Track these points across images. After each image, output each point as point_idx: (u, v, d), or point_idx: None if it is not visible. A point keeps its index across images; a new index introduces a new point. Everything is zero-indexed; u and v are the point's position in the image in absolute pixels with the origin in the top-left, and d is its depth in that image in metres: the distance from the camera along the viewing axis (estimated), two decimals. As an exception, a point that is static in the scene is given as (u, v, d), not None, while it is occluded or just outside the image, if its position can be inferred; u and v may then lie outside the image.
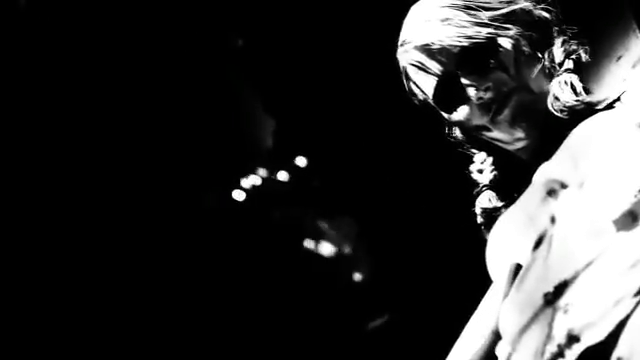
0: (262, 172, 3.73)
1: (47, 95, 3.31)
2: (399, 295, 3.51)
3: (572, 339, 1.00)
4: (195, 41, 3.45)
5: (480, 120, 1.35)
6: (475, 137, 1.42)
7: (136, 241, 3.48)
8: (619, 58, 1.72)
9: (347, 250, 3.77)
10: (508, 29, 1.34)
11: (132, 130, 3.47)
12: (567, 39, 1.39)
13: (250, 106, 3.65)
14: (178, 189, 3.61)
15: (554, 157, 1.25)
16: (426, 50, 1.35)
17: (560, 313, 1.03)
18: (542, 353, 1.03)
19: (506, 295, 1.20)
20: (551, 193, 1.18)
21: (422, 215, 3.26)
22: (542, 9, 1.39)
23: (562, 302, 1.04)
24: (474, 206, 1.48)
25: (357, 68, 3.10)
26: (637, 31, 1.71)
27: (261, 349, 3.55)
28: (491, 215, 1.44)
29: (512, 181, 1.42)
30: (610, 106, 1.32)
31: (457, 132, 1.48)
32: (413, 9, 1.42)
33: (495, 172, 1.45)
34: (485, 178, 1.46)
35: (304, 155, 3.69)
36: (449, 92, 1.36)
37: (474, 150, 1.48)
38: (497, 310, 1.23)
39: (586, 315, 1.01)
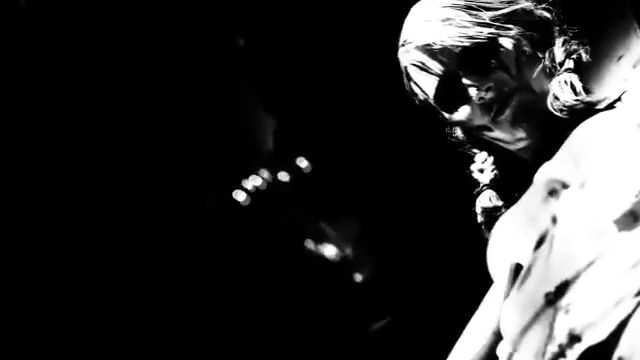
0: (263, 173, 3.73)
1: (47, 95, 3.31)
2: (401, 296, 3.51)
3: (573, 339, 1.01)
4: (195, 41, 3.45)
5: (481, 120, 1.35)
6: (476, 137, 1.42)
7: (135, 242, 3.48)
8: (620, 58, 1.72)
9: (349, 251, 3.77)
10: (509, 29, 1.34)
11: (132, 130, 3.47)
12: (568, 39, 1.39)
13: (251, 107, 3.65)
14: (179, 190, 3.60)
15: (555, 157, 1.26)
16: (427, 50, 1.35)
17: (561, 313, 1.04)
18: (543, 353, 1.03)
19: (507, 295, 1.20)
20: (552, 193, 1.19)
21: (423, 215, 3.26)
22: (543, 9, 1.40)
23: (563, 302, 1.04)
24: (475, 206, 1.48)
25: (358, 68, 3.10)
26: (638, 31, 1.71)
27: (263, 351, 3.55)
28: (491, 214, 1.44)
29: (513, 181, 1.42)
30: (611, 106, 1.32)
31: (458, 132, 1.48)
32: (414, 9, 1.42)
33: (496, 172, 1.46)
34: (486, 177, 1.46)
35: (305, 156, 3.69)
36: (450, 92, 1.36)
37: (475, 150, 1.48)
38: (498, 310, 1.23)
39: (587, 315, 1.01)
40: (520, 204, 1.32)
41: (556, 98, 1.32)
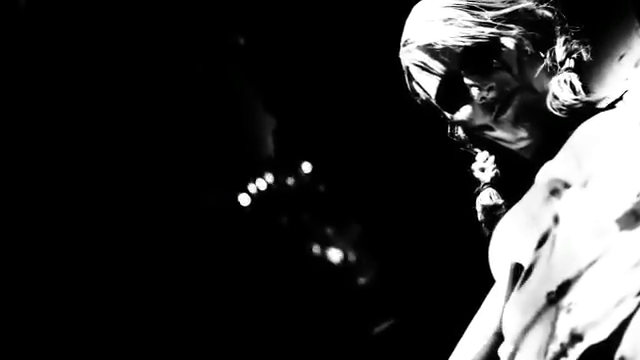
0: (267, 176, 3.72)
1: (47, 95, 3.31)
2: (402, 296, 3.51)
3: (575, 338, 1.01)
4: (196, 41, 3.45)
5: (483, 120, 1.35)
6: (478, 137, 1.42)
7: (136, 242, 3.48)
8: (621, 57, 1.72)
9: (351, 254, 3.77)
10: (511, 29, 1.34)
11: (132, 130, 3.46)
12: (569, 38, 1.39)
13: (252, 107, 3.65)
14: (183, 193, 3.60)
15: (557, 156, 1.26)
16: (429, 50, 1.35)
17: (563, 312, 1.03)
18: (545, 352, 1.03)
19: (507, 295, 1.20)
20: (554, 192, 1.19)
21: (425, 217, 3.25)
22: (545, 8, 1.40)
23: (565, 301, 1.04)
24: (475, 204, 1.49)
25: (359, 68, 3.10)
26: (639, 30, 1.71)
27: (266, 354, 3.55)
28: (491, 212, 1.44)
29: (514, 180, 1.42)
30: (612, 105, 1.32)
31: (460, 132, 1.48)
32: (415, 9, 1.42)
33: (497, 170, 1.46)
34: (487, 176, 1.46)
35: (309, 160, 3.69)
36: (452, 92, 1.36)
37: (477, 149, 1.48)
38: (499, 310, 1.23)
39: (589, 314, 1.01)
40: (522, 204, 1.32)
41: (555, 97, 1.32)
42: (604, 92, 1.36)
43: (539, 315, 1.07)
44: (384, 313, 3.58)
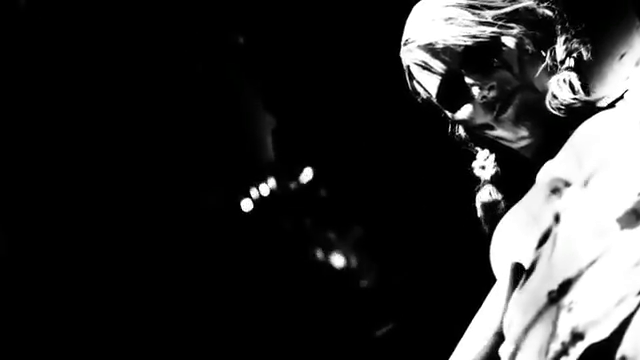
0: (270, 181, 3.72)
1: (47, 95, 3.31)
2: (402, 296, 3.51)
3: (576, 337, 1.00)
4: (196, 41, 3.45)
5: (484, 119, 1.35)
6: (478, 136, 1.42)
7: (134, 246, 3.48)
8: (622, 56, 1.72)
9: (352, 257, 3.77)
10: (512, 28, 1.34)
11: (132, 130, 3.46)
12: (569, 37, 1.39)
13: (251, 107, 3.65)
14: (185, 197, 3.60)
15: (558, 156, 1.26)
16: (430, 49, 1.35)
17: (564, 311, 1.03)
18: (546, 351, 1.03)
19: (508, 295, 1.20)
20: (555, 191, 1.19)
21: (427, 218, 3.25)
22: (545, 7, 1.40)
23: (566, 300, 1.04)
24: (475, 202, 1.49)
25: (359, 68, 3.10)
26: (640, 28, 1.71)
27: (268, 358, 3.55)
28: (491, 209, 1.44)
29: (515, 179, 1.42)
30: (613, 104, 1.32)
31: (460, 131, 1.48)
32: (416, 8, 1.42)
33: (497, 169, 1.46)
34: (487, 174, 1.46)
35: (309, 162, 3.69)
36: (453, 91, 1.36)
37: (477, 148, 1.48)
38: (500, 310, 1.23)
39: (590, 313, 1.00)
40: (522, 203, 1.32)
41: (554, 97, 1.32)
42: (605, 91, 1.36)
43: (540, 314, 1.07)
44: (386, 314, 3.58)
